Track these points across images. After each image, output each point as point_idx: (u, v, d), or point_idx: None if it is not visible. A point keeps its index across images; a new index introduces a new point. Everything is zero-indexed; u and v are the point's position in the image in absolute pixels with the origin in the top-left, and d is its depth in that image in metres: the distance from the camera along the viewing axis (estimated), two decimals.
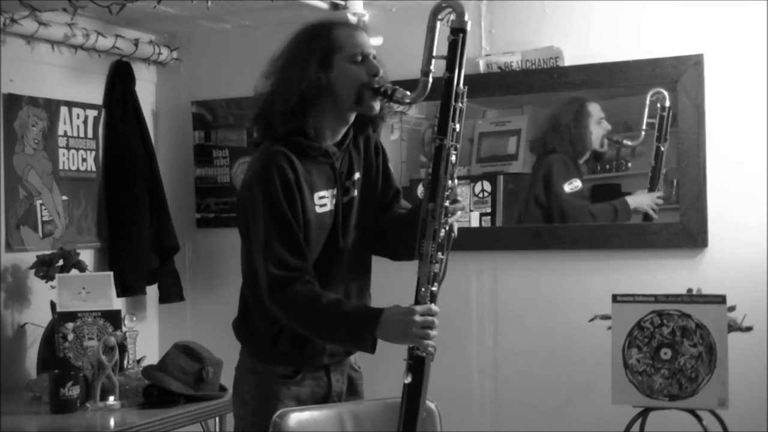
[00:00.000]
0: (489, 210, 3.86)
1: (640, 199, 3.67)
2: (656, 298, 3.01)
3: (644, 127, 3.64)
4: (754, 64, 3.41)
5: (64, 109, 3.90)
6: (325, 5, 3.66)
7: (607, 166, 3.80)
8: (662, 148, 3.61)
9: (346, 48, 2.39)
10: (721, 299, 2.96)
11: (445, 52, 2.30)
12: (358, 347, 2.39)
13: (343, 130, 2.47)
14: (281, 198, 2.33)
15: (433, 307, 2.27)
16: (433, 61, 2.30)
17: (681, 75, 3.48)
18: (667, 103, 3.56)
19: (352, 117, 2.46)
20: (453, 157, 2.30)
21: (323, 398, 2.50)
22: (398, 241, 2.52)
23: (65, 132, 3.91)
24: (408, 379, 2.27)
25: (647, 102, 3.60)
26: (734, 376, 2.97)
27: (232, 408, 2.61)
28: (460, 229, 3.97)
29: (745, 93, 3.43)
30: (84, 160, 4.00)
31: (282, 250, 2.32)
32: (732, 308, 3.00)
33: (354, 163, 2.51)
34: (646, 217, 3.67)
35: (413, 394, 2.27)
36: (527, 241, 3.75)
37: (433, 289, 2.28)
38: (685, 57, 3.49)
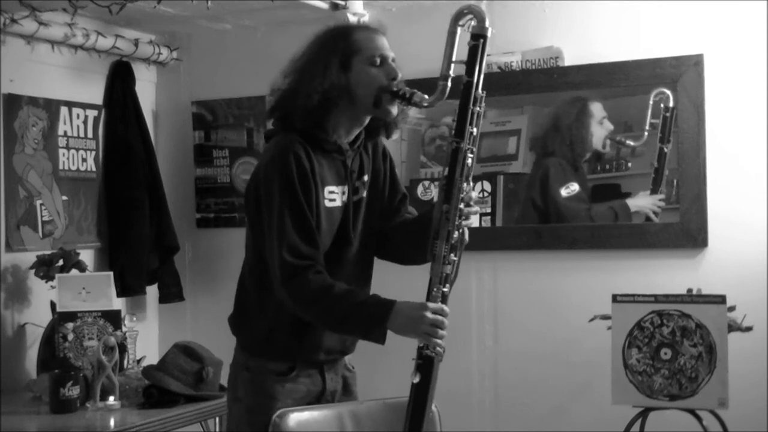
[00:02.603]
0: (489, 210, 3.86)
1: (642, 203, 3.66)
2: (656, 298, 3.01)
3: (647, 127, 3.63)
4: (754, 64, 3.41)
5: (64, 109, 3.90)
6: (325, 5, 3.66)
7: (607, 166, 3.80)
8: (665, 150, 3.59)
9: (364, 50, 2.41)
10: (721, 299, 2.96)
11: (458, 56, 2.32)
12: (368, 337, 2.37)
13: (357, 132, 2.49)
14: (297, 185, 2.34)
15: (445, 307, 2.28)
16: (453, 66, 2.32)
17: (681, 75, 3.48)
18: (671, 104, 3.55)
19: (367, 120, 2.48)
20: (469, 161, 2.32)
21: (317, 397, 2.49)
22: (409, 246, 2.53)
23: (65, 132, 3.91)
24: (416, 379, 2.28)
25: (650, 102, 3.60)
26: (734, 376, 2.97)
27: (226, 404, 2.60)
28: None
29: (745, 93, 3.43)
30: (84, 160, 4.00)
31: (296, 238, 2.32)
32: (732, 308, 3.00)
33: (364, 165, 2.53)
34: (648, 219, 3.66)
35: (421, 394, 2.27)
36: (527, 241, 3.75)
37: (445, 289, 2.29)
38: (685, 57, 3.48)
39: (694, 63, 3.46)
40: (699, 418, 2.94)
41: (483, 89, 2.34)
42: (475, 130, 2.33)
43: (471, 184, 2.34)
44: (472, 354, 3.83)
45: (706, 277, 3.38)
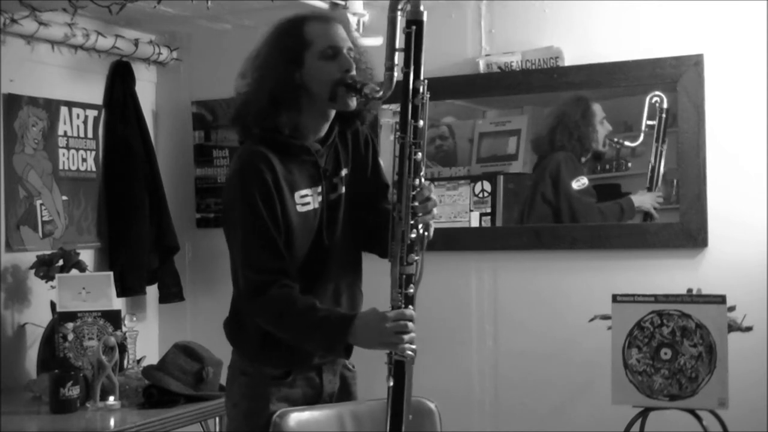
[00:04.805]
0: (489, 210, 3.85)
1: (643, 199, 3.67)
2: (656, 298, 3.01)
3: (644, 128, 3.64)
4: (754, 64, 3.41)
5: (64, 109, 3.90)
6: (325, 5, 3.66)
7: (607, 166, 3.80)
8: (661, 149, 3.60)
9: (316, 44, 2.34)
10: (721, 299, 2.96)
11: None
12: (331, 353, 2.35)
13: (325, 127, 2.42)
14: (258, 201, 2.28)
15: (406, 311, 2.21)
16: (397, 54, 2.22)
17: (681, 75, 3.48)
18: (666, 106, 3.56)
19: (332, 113, 2.41)
20: (418, 155, 2.22)
21: (314, 399, 2.46)
22: (380, 239, 2.45)
23: (65, 132, 3.91)
24: (390, 383, 2.24)
25: (646, 104, 3.60)
26: (734, 376, 2.97)
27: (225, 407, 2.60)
28: (460, 229, 3.96)
29: (745, 93, 3.43)
30: (84, 160, 4.00)
31: (260, 253, 2.29)
32: (732, 308, 3.00)
33: (341, 158, 2.46)
34: (646, 216, 3.66)
35: (396, 397, 2.24)
36: (527, 241, 3.74)
37: (408, 291, 2.23)
38: (685, 57, 3.49)
39: (694, 63, 3.47)
40: (699, 418, 2.94)
41: (424, 78, 2.21)
42: (420, 122, 2.21)
43: (423, 180, 2.24)
44: (472, 354, 3.83)
45: (706, 277, 3.37)
